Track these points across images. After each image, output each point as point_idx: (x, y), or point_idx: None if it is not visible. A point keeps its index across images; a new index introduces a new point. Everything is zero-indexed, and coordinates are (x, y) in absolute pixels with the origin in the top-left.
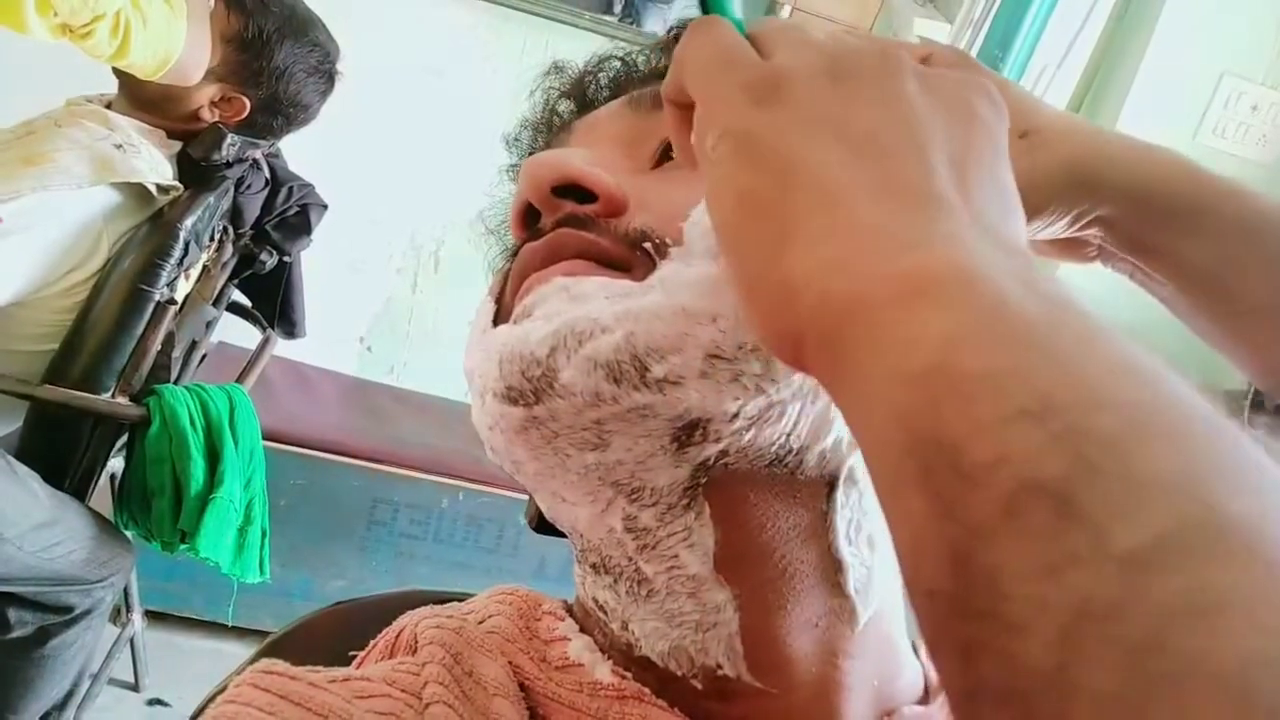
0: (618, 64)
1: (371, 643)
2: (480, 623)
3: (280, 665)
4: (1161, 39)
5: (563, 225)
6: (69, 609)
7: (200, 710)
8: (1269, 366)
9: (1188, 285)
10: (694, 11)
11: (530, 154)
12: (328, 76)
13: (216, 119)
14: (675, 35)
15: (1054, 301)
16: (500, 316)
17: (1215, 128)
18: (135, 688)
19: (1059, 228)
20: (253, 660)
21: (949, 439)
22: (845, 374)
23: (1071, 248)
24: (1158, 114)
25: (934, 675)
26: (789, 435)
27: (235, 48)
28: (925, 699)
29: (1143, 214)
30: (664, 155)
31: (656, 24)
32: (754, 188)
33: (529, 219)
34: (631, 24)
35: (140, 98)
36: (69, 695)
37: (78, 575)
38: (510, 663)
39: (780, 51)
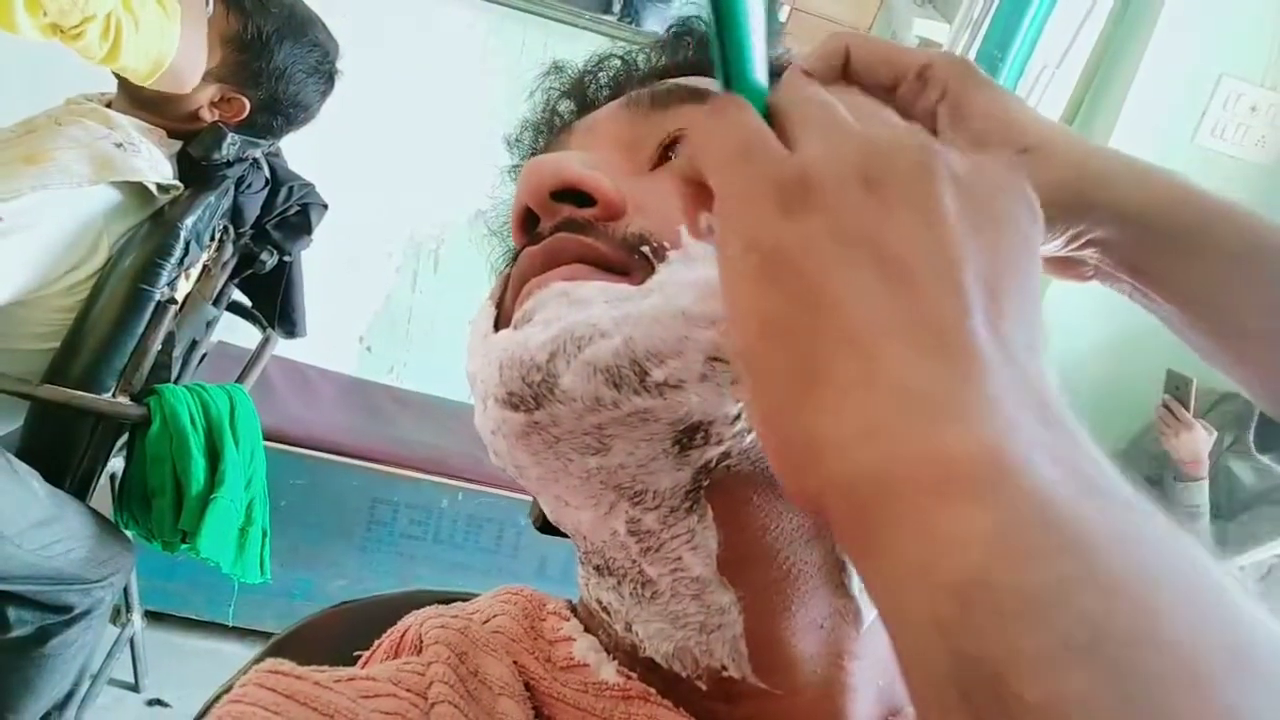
0: (618, 63)
1: (376, 642)
2: (485, 622)
3: (286, 665)
4: (1160, 40)
5: (561, 230)
6: (69, 608)
7: (206, 710)
8: (1269, 387)
9: (1185, 308)
10: (693, 10)
11: (531, 154)
12: (327, 76)
13: (216, 119)
14: (675, 34)
15: (1095, 489)
16: (500, 321)
17: (1214, 129)
18: (135, 688)
19: (1054, 247)
20: (258, 660)
21: (992, 666)
22: (876, 556)
23: (1068, 266)
24: (1156, 115)
25: None
26: None
27: (234, 48)
28: None
29: (1139, 237)
30: (662, 157)
31: (656, 23)
32: (781, 314)
33: (528, 223)
34: (631, 23)
35: (140, 97)
36: (69, 695)
37: (77, 574)
38: (515, 662)
39: (807, 140)
